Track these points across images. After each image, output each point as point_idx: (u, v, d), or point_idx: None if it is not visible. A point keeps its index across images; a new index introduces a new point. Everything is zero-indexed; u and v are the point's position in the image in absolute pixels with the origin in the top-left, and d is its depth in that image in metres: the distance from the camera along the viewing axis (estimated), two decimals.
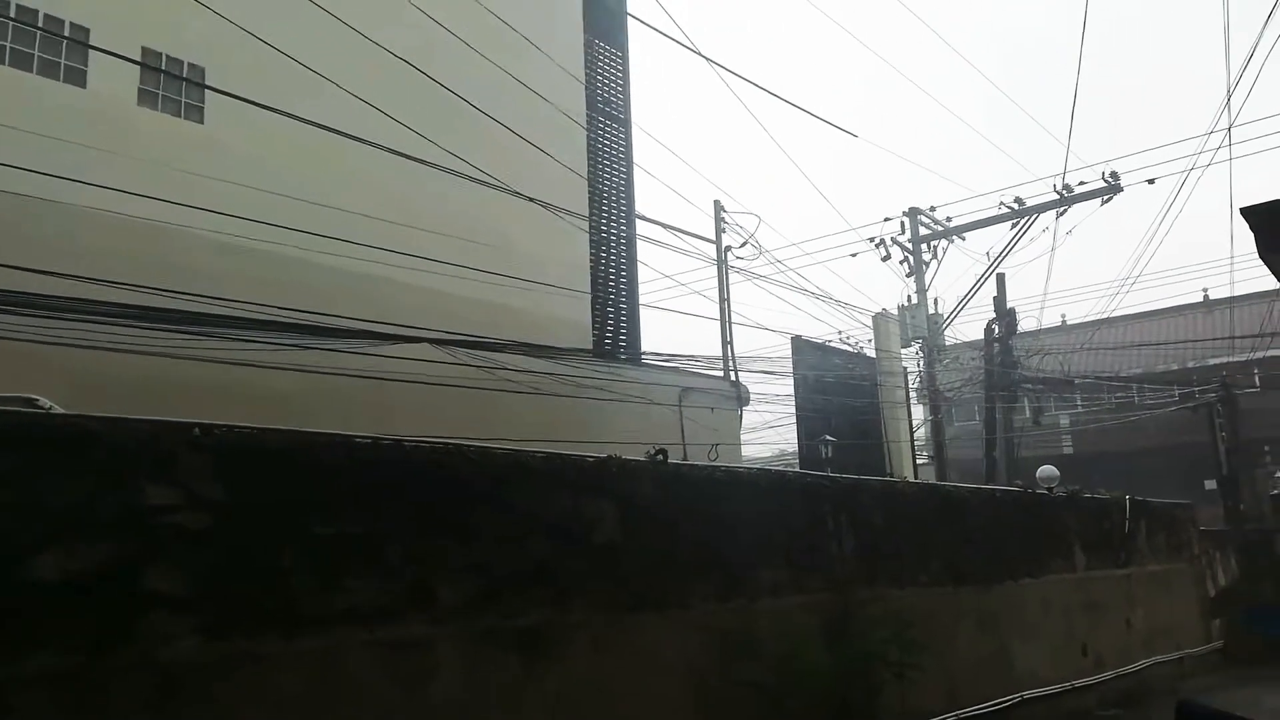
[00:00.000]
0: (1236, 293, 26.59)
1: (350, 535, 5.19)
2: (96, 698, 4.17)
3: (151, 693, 4.33)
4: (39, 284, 7.22)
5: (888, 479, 10.21)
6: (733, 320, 16.50)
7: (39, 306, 7.24)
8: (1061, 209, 21.03)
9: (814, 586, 8.19)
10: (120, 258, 8.28)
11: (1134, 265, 59.78)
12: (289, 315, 8.63)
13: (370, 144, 9.12)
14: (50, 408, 4.69)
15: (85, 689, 4.14)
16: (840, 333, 21.38)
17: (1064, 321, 30.52)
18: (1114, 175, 20.19)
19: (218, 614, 4.60)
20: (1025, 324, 22.71)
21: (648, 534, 6.89)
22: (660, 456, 7.35)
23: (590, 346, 13.39)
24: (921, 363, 23.51)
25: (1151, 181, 19.40)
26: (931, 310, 23.73)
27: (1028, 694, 10.35)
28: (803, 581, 8.08)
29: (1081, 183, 20.67)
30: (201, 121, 10.29)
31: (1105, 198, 20.44)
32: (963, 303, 22.89)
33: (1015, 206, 21.67)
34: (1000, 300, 22.18)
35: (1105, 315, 23.94)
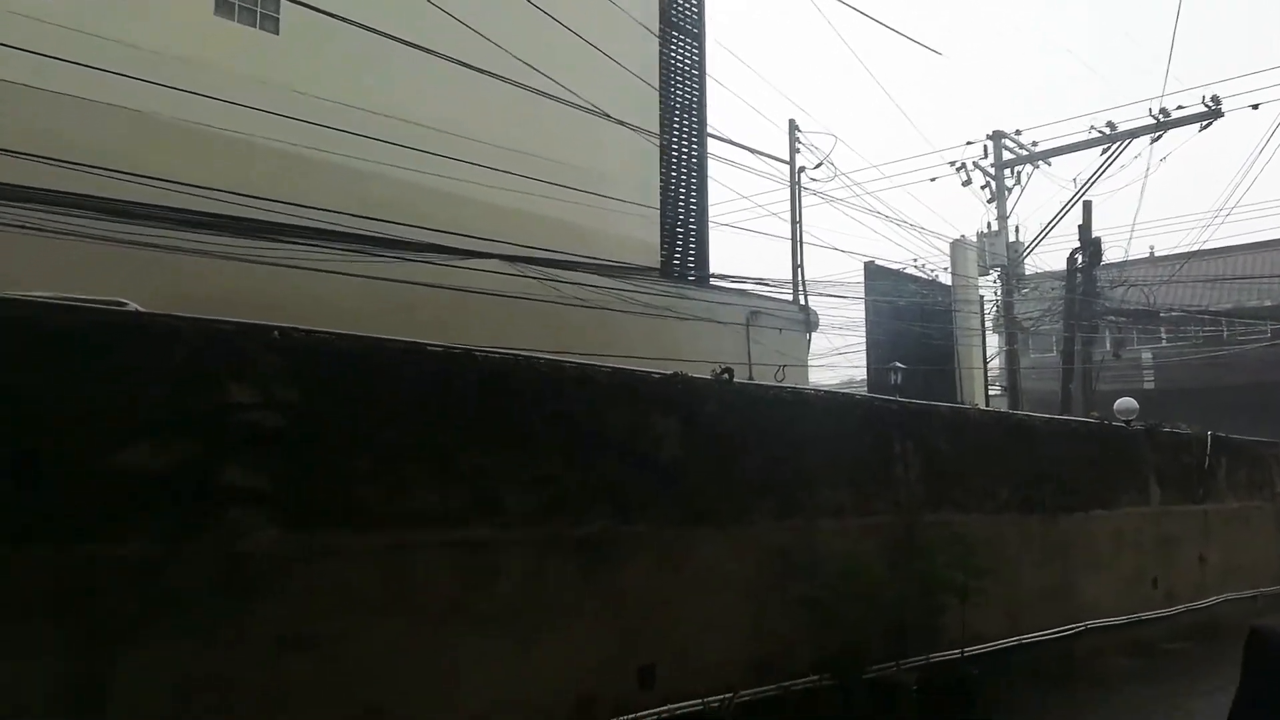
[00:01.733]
0: None
1: (419, 442, 5.33)
2: (177, 583, 4.41)
3: (228, 581, 4.56)
4: (116, 189, 7.43)
5: (957, 405, 10.04)
6: (804, 242, 16.21)
7: (127, 214, 7.48)
8: (1156, 134, 20.01)
9: (877, 509, 8.18)
10: (195, 166, 8.45)
11: (1229, 196, 56.81)
12: (361, 227, 8.78)
13: (439, 55, 9.06)
14: (136, 309, 4.86)
15: (167, 575, 4.39)
16: (915, 259, 20.90)
17: (1152, 253, 29.26)
18: (1215, 100, 19.08)
19: (291, 509, 4.80)
20: (1111, 254, 21.85)
21: (711, 451, 6.93)
22: (726, 376, 7.34)
23: (658, 267, 13.32)
24: (999, 292, 22.91)
25: (1255, 107, 18.30)
26: (1012, 238, 23.02)
27: (1092, 624, 10.26)
28: (866, 504, 8.08)
29: (1179, 107, 19.61)
30: (276, 32, 10.36)
31: (1204, 123, 19.37)
32: (1045, 231, 22.12)
33: (1107, 131, 20.68)
34: (1085, 228, 21.32)
35: (1196, 248, 22.84)
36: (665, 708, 6.26)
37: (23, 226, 6.91)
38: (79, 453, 4.20)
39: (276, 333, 4.90)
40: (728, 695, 6.57)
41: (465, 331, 8.15)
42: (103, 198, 7.43)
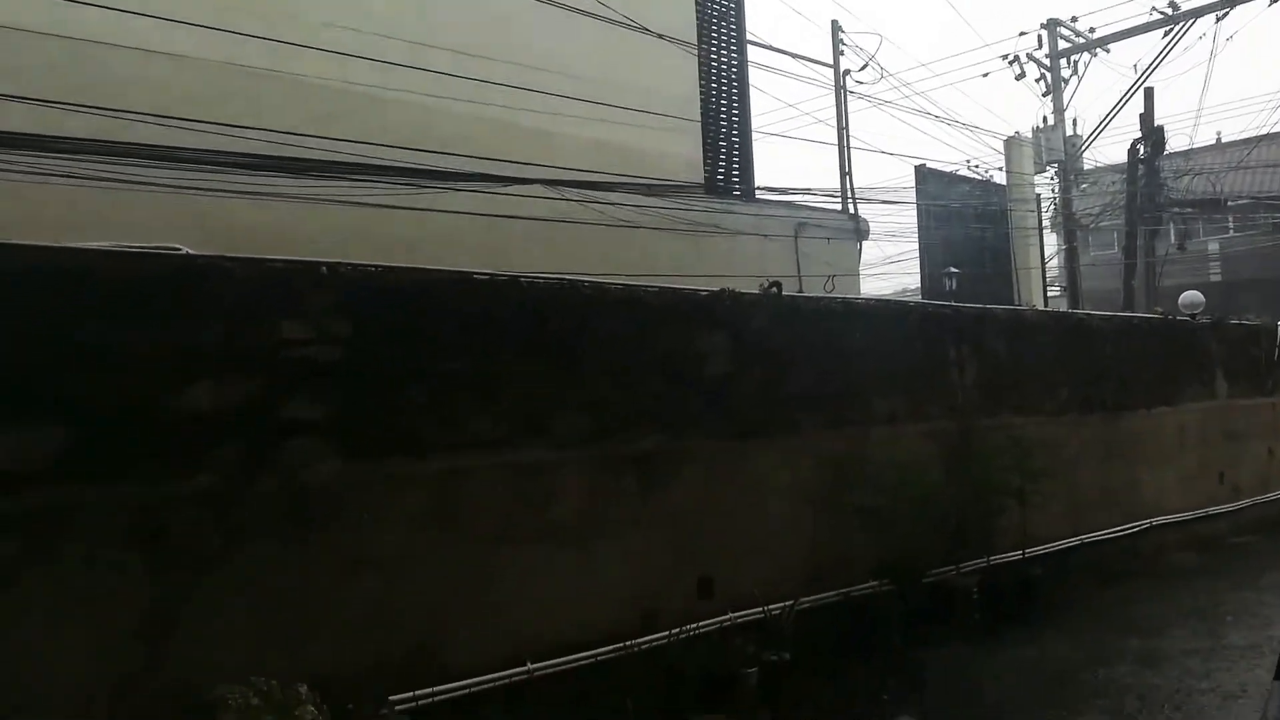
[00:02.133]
0: None
1: (469, 370, 5.42)
2: (248, 514, 4.61)
3: (295, 510, 4.75)
4: (162, 136, 7.52)
5: (1014, 308, 9.85)
6: (851, 147, 15.80)
7: (173, 158, 7.58)
8: (1223, 12, 18.90)
9: (932, 415, 8.14)
10: (236, 104, 8.47)
11: None
12: (406, 160, 8.79)
13: None
14: (188, 253, 4.97)
15: (238, 507, 4.58)
16: (969, 160, 20.24)
17: (1219, 139, 27.92)
18: None
19: (350, 441, 4.94)
20: (1174, 143, 20.91)
21: (761, 365, 6.93)
22: (774, 289, 7.29)
23: (702, 183, 13.13)
24: (1056, 189, 22.18)
25: None
26: (1069, 132, 22.16)
27: (1156, 521, 10.18)
28: (920, 410, 8.04)
29: None
30: None
31: None
32: (1105, 122, 21.23)
33: (1169, 12, 19.60)
34: (1147, 117, 20.39)
35: (1265, 131, 21.73)
36: (726, 617, 6.41)
37: (70, 176, 7.06)
38: (146, 396, 4.36)
39: (324, 268, 4.98)
40: (787, 604, 6.70)
41: (511, 259, 8.19)
42: (148, 144, 7.53)
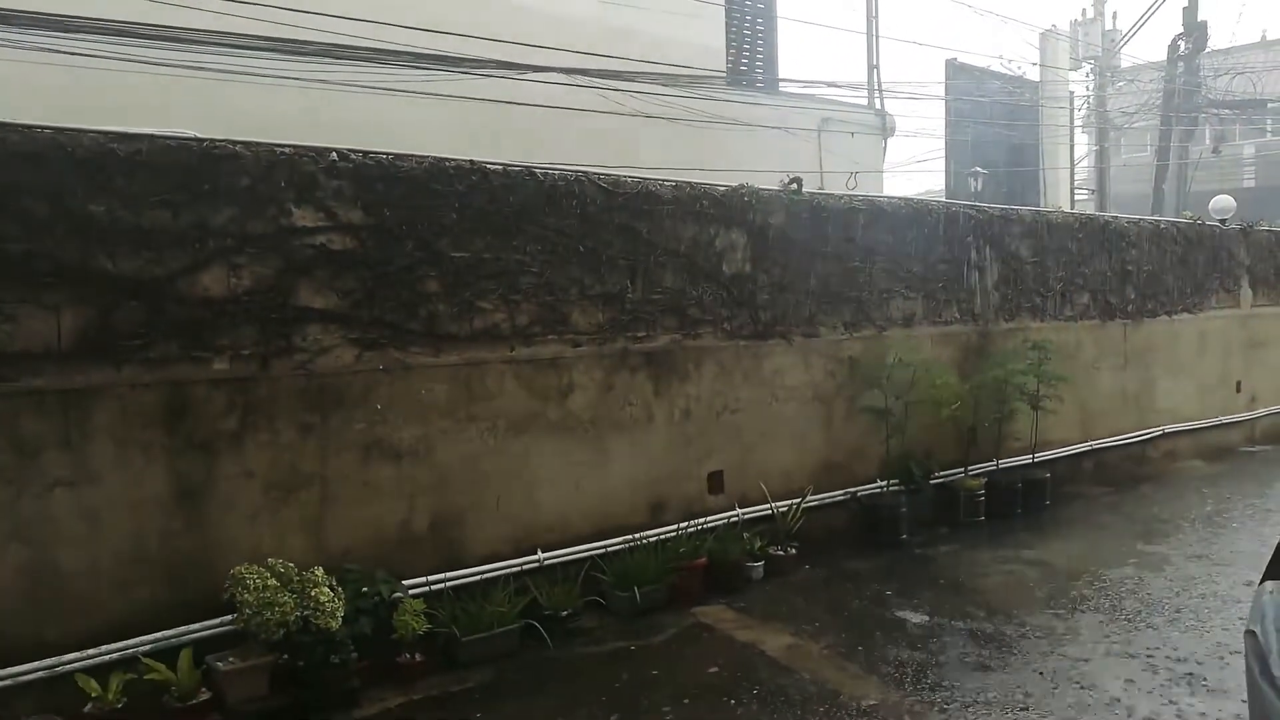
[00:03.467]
0: None
1: (485, 260, 5.36)
2: (267, 398, 4.65)
3: (314, 396, 4.79)
4: (175, 15, 7.29)
5: (1038, 209, 9.60)
6: (879, 35, 15.19)
7: (180, 40, 7.37)
8: None
9: (950, 318, 8.06)
10: None
11: None
12: (419, 45, 8.50)
13: None
14: (196, 136, 4.86)
15: (256, 390, 4.62)
16: (1001, 56, 19.49)
17: (1264, 37, 26.77)
18: None
19: (367, 330, 4.95)
20: (1216, 41, 20.05)
21: (778, 264, 6.84)
22: (794, 186, 7.13)
23: (724, 72, 12.71)
24: (1091, 86, 21.43)
25: None
26: (1108, 27, 21.28)
27: (1170, 428, 10.17)
28: (938, 313, 7.96)
29: None
30: None
31: None
32: (1146, 15, 20.33)
33: None
34: (1191, 10, 19.53)
35: None
36: (734, 512, 6.51)
37: (77, 54, 6.87)
38: (163, 278, 4.34)
39: (335, 154, 4.88)
40: (795, 500, 6.78)
41: (527, 149, 8.01)
42: (160, 24, 7.30)
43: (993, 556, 6.77)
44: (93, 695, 3.94)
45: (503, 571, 5.39)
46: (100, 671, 4.05)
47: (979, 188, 16.52)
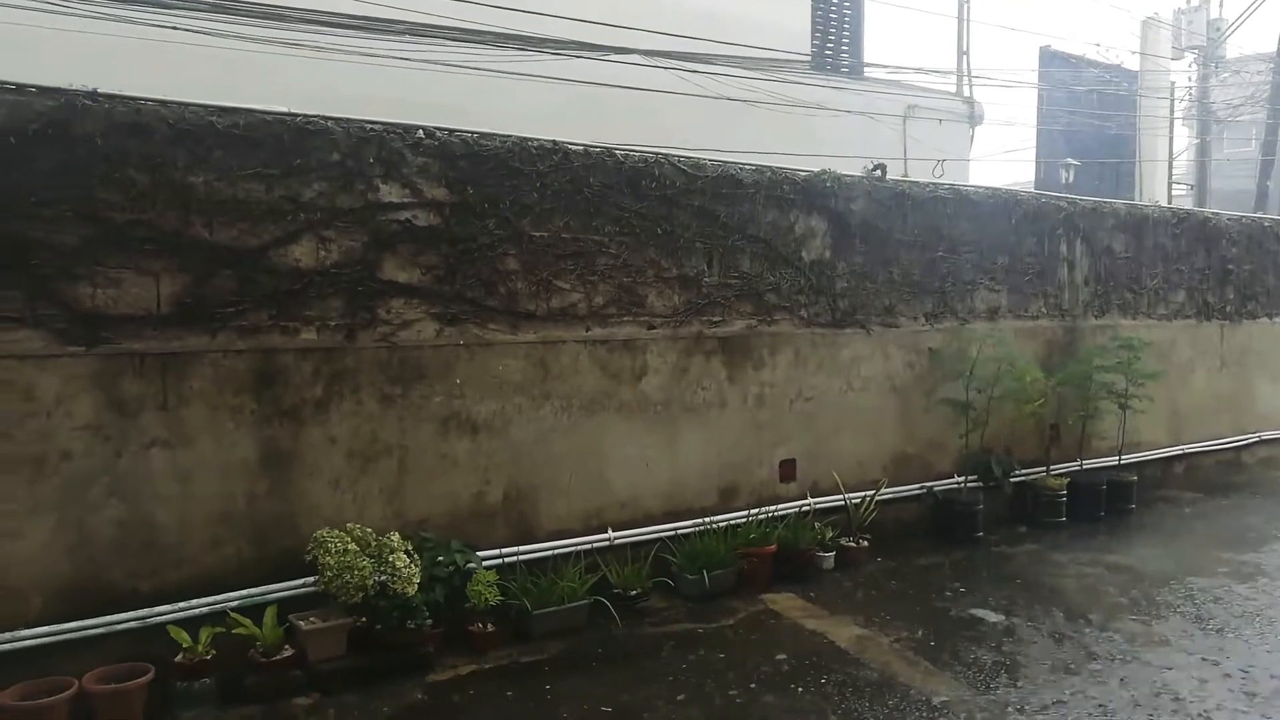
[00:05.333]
0: None
1: (564, 240, 5.40)
2: (351, 369, 4.77)
3: (396, 369, 4.90)
4: None
5: (1134, 203, 9.25)
6: (970, 20, 14.77)
7: (282, 17, 7.58)
8: None
9: (1036, 312, 7.84)
10: None
11: None
12: (503, 25, 8.59)
13: None
14: (288, 111, 4.99)
15: (341, 361, 4.74)
16: (1098, 44, 18.79)
17: None
18: None
19: (448, 305, 5.03)
20: None
21: (859, 251, 6.73)
22: (878, 172, 7.00)
23: (808, 56, 12.52)
24: (1193, 77, 20.51)
25: None
26: (1214, 15, 20.31)
27: (1267, 435, 9.73)
28: (1024, 306, 7.74)
29: None
30: None
31: None
32: (1256, 3, 19.32)
33: None
34: None
35: None
36: (806, 501, 6.45)
37: (176, 29, 7.12)
38: (256, 249, 4.48)
39: (421, 131, 4.96)
40: (869, 492, 6.69)
41: (608, 132, 8.02)
42: (260, 2, 7.52)
43: (1073, 558, 6.57)
44: (184, 646, 4.11)
45: (573, 548, 5.45)
46: (190, 624, 4.22)
47: (1070, 179, 15.98)
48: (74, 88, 4.09)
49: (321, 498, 4.72)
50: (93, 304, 4.13)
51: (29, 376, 4.02)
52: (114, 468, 4.21)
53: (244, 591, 4.47)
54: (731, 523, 6.02)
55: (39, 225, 4.01)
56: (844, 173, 6.79)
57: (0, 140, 3.91)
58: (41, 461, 4.06)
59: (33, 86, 4.02)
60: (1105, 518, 7.62)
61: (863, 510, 6.59)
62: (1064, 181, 15.98)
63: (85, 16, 6.91)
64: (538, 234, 5.31)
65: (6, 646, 3.95)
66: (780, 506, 6.33)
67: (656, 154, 5.86)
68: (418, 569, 4.53)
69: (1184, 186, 22.39)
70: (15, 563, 4.02)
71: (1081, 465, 7.93)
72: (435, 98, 8.44)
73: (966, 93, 14.63)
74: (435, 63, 8.36)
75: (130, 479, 4.25)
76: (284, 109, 4.66)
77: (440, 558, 4.81)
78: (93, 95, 4.12)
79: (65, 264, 4.07)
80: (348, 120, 4.78)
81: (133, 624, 4.21)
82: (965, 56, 14.63)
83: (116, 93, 4.19)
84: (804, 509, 6.39)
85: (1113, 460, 8.08)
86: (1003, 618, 5.38)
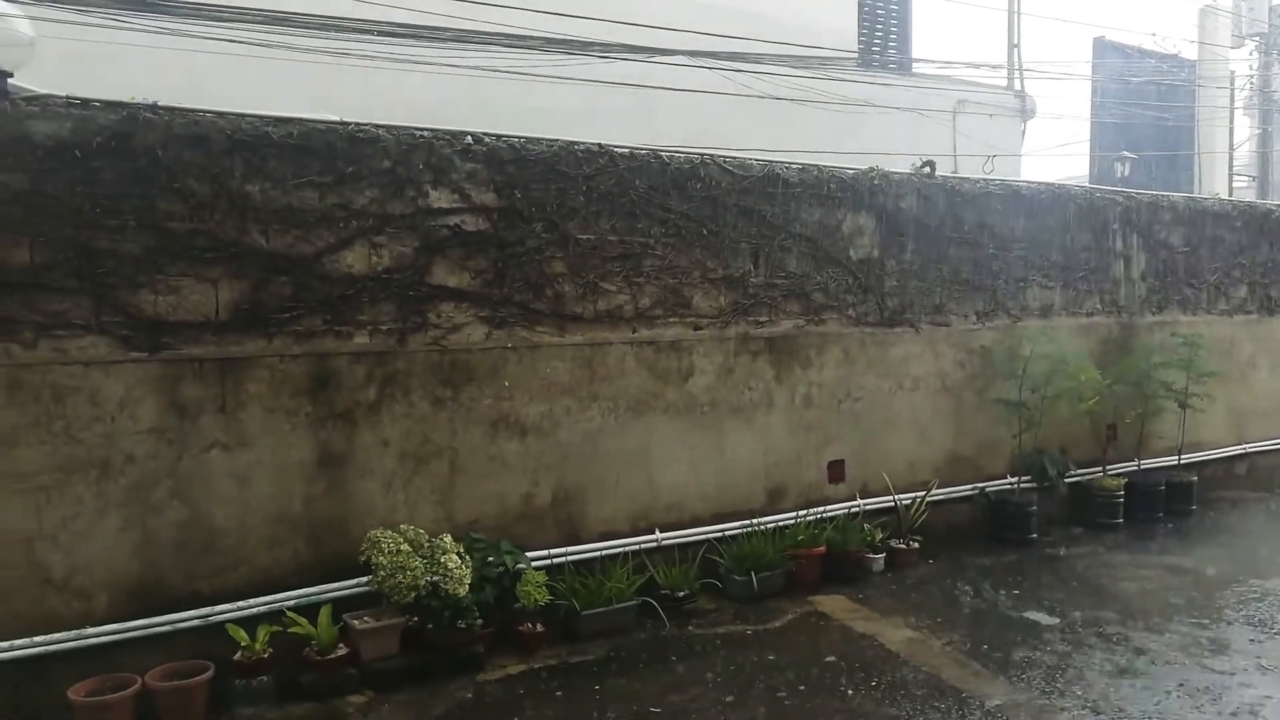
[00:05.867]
0: None
1: (610, 242, 5.43)
2: (397, 373, 4.85)
3: (446, 372, 4.97)
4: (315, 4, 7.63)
5: (1192, 196, 9.02)
6: (1021, 12, 14.51)
7: (333, 27, 7.72)
8: None
9: (1090, 309, 7.68)
10: None
11: None
12: (548, 29, 8.64)
13: None
14: (340, 120, 5.08)
15: (393, 365, 4.82)
16: (1154, 34, 18.35)
17: None
18: None
19: (496, 309, 5.09)
20: None
21: (908, 249, 6.66)
22: (926, 169, 6.92)
23: (855, 53, 12.41)
24: (1254, 66, 19.92)
25: None
26: (1276, 1, 19.69)
27: None
28: (1078, 303, 7.60)
29: None
30: None
31: None
32: None
33: None
34: None
35: None
36: (855, 502, 6.40)
37: (233, 41, 7.29)
38: (310, 255, 4.58)
39: (470, 138, 5.02)
40: (919, 494, 6.62)
41: (655, 132, 8.04)
42: (309, 13, 7.66)
43: (1130, 560, 6.44)
44: (242, 644, 4.22)
45: (621, 549, 5.47)
46: (248, 623, 4.33)
47: (1126, 173, 15.61)
48: (135, 101, 4.22)
49: (374, 499, 4.81)
50: (154, 311, 4.26)
51: (95, 382, 4.16)
52: (175, 470, 4.33)
53: (300, 591, 4.56)
54: (779, 524, 6.00)
55: (104, 235, 4.14)
56: (892, 170, 6.72)
57: (67, 153, 4.05)
58: (107, 464, 4.19)
59: (97, 101, 4.16)
60: (1164, 519, 7.45)
61: (913, 511, 6.52)
62: (1119, 175, 15.62)
63: (149, 32, 7.11)
64: (584, 237, 5.35)
65: (74, 644, 4.08)
66: (829, 508, 6.29)
67: (702, 155, 5.87)
68: (469, 570, 4.59)
69: (1245, 178, 21.75)
70: (83, 563, 4.15)
71: (1139, 465, 7.76)
72: (483, 102, 8.54)
73: (1018, 86, 14.37)
74: (484, 70, 8.44)
75: (191, 481, 4.37)
76: (336, 118, 4.76)
77: (490, 558, 4.86)
78: (153, 108, 4.24)
79: (129, 272, 4.20)
80: (397, 127, 4.86)
81: (194, 622, 4.33)
82: (1016, 49, 14.37)
83: (176, 105, 4.31)
84: (853, 510, 6.34)
85: (1172, 460, 7.89)
86: (1057, 620, 5.29)
